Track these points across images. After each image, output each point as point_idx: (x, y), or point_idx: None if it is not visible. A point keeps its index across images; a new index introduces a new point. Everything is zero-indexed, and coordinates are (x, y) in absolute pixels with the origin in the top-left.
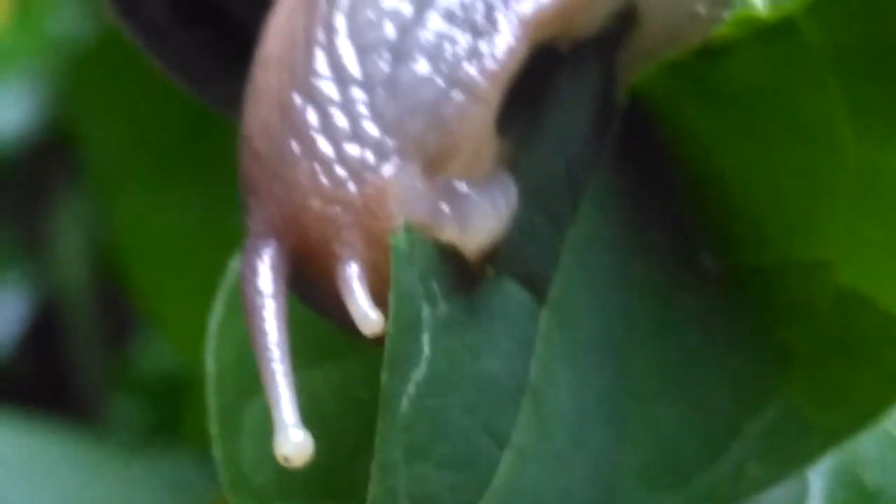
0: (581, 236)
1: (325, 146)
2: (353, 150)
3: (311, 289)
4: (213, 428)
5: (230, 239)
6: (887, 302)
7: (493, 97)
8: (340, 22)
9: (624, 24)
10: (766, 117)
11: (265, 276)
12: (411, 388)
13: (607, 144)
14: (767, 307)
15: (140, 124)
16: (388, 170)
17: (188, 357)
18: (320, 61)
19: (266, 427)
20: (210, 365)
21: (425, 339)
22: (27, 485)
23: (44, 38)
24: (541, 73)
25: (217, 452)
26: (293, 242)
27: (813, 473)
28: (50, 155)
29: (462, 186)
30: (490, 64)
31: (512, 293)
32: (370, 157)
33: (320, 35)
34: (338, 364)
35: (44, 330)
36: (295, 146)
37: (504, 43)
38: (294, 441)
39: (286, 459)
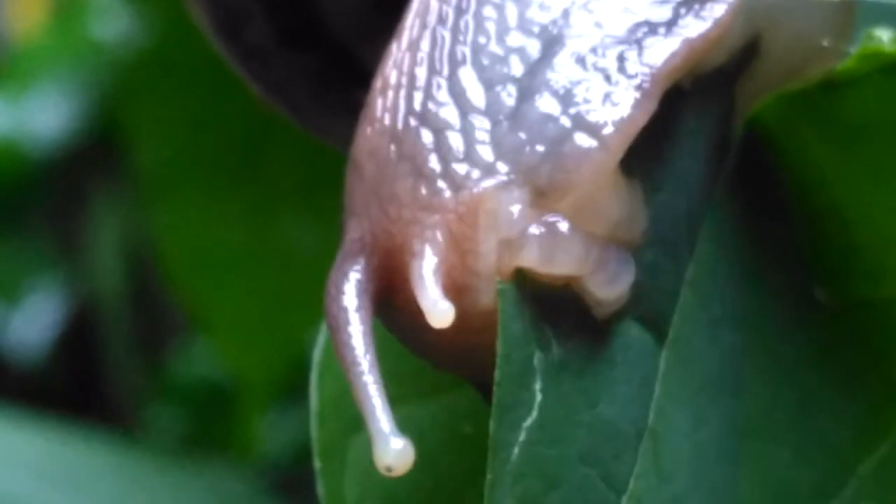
0: (699, 273)
1: (434, 163)
2: (460, 168)
3: (392, 309)
4: (317, 463)
5: (275, 249)
6: None
7: (617, 146)
8: (464, 53)
9: (747, 57)
10: (887, 150)
11: (350, 293)
12: (522, 436)
13: (723, 178)
14: (883, 341)
15: (187, 132)
16: (488, 183)
17: (230, 365)
18: (441, 90)
19: (370, 461)
20: (313, 400)
21: (537, 386)
22: (65, 492)
23: (83, 42)
24: (664, 108)
25: (320, 488)
26: (380, 257)
27: None
28: (87, 160)
29: (562, 225)
30: (620, 114)
31: (634, 336)
32: (475, 174)
33: (443, 66)
34: (443, 399)
35: (79, 336)
36: (402, 166)
37: (636, 95)
38: (395, 449)
39: (388, 469)
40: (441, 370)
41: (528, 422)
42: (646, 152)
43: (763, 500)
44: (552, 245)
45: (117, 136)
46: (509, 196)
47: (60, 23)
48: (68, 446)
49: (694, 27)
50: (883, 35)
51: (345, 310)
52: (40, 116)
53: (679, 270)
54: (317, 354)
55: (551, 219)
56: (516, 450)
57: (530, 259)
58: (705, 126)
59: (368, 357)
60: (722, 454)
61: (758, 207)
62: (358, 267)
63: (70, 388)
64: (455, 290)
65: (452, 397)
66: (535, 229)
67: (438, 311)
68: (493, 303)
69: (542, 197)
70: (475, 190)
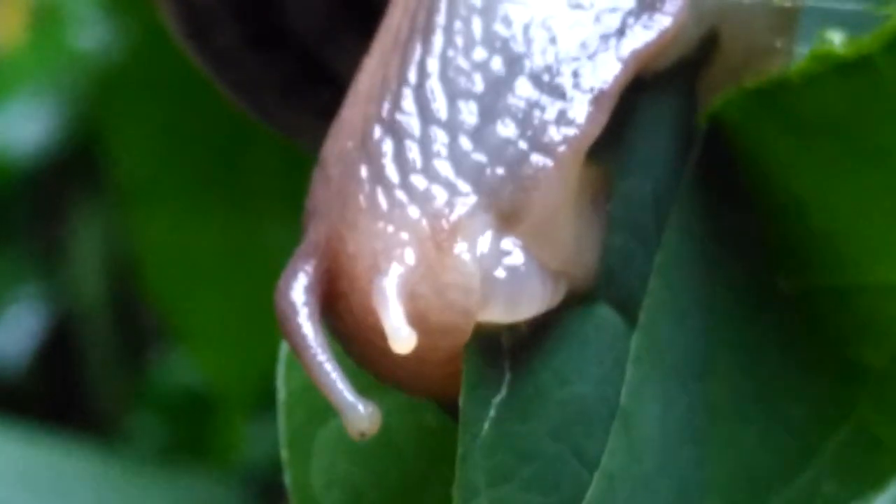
0: (665, 260)
1: (391, 173)
2: (418, 181)
3: (335, 315)
4: (284, 453)
5: (253, 258)
6: None
7: (570, 162)
8: (433, 65)
9: (706, 50)
10: (844, 146)
11: (298, 289)
12: (492, 412)
13: (688, 169)
14: (843, 328)
15: (167, 142)
16: (462, 210)
17: (210, 373)
18: (408, 99)
19: (335, 452)
20: (280, 391)
21: (506, 364)
22: (46, 500)
23: (63, 53)
24: (626, 99)
25: (287, 478)
26: (331, 260)
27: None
28: (67, 170)
29: (520, 258)
30: (574, 130)
31: (605, 318)
32: (438, 192)
33: (412, 76)
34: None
35: (60, 346)
36: (364, 171)
37: (590, 109)
38: (364, 413)
39: (362, 434)
40: (382, 383)
41: (498, 398)
42: (612, 140)
43: (729, 480)
44: (517, 293)
45: (97, 146)
46: (480, 223)
47: (39, 34)
48: (49, 455)
49: (641, 37)
50: (834, 37)
51: (293, 304)
52: (21, 127)
53: (648, 254)
54: (284, 348)
55: (513, 260)
56: (486, 425)
57: (494, 314)
58: (667, 116)
59: (318, 339)
60: (690, 435)
61: (722, 198)
62: (308, 267)
63: (51, 397)
64: (419, 319)
65: None
66: (500, 273)
67: (401, 337)
68: (460, 341)
69: (506, 221)
70: (452, 219)
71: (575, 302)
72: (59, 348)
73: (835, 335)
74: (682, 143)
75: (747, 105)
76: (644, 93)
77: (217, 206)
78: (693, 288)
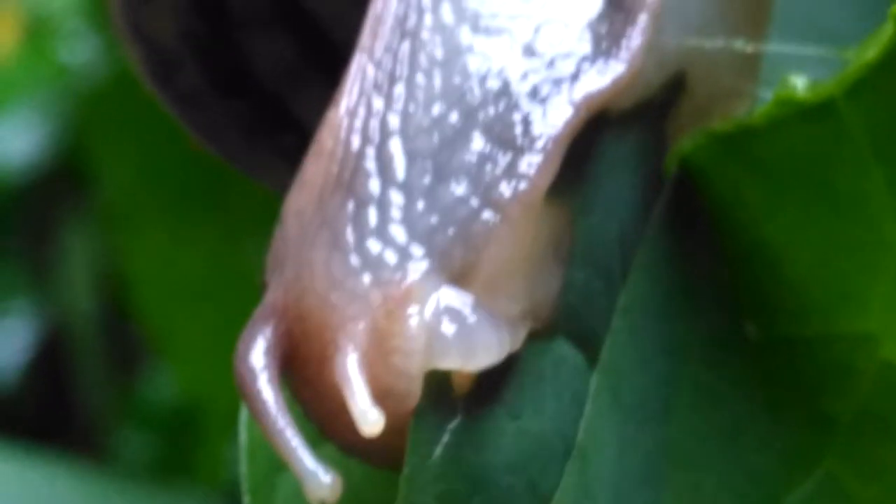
0: (630, 302)
1: (349, 236)
2: (373, 246)
3: (296, 377)
4: (246, 500)
5: (238, 276)
6: None
7: (519, 216)
8: (394, 122)
9: (673, 93)
10: (809, 192)
11: (257, 352)
12: (446, 437)
13: (656, 212)
14: (810, 377)
15: (152, 159)
16: (414, 276)
17: (193, 390)
18: (369, 160)
19: (298, 498)
20: (242, 438)
21: (459, 402)
22: None
23: (53, 68)
24: (592, 136)
25: None
26: (289, 324)
27: None
28: (57, 184)
29: (472, 315)
30: (522, 185)
31: (565, 354)
32: (391, 257)
33: (374, 133)
34: None
35: (49, 359)
36: (321, 233)
37: (539, 159)
38: (325, 482)
39: (322, 502)
40: (345, 453)
41: (453, 424)
42: (575, 178)
43: None
44: (470, 345)
45: (85, 162)
46: (433, 285)
47: (30, 49)
48: (36, 472)
49: (595, 82)
50: (797, 81)
51: (251, 369)
52: (10, 140)
53: (611, 293)
54: None
55: (463, 315)
56: (439, 449)
57: (451, 363)
58: (634, 157)
59: (278, 404)
60: (648, 479)
61: (690, 241)
62: (268, 330)
63: (40, 412)
64: (378, 390)
65: None
66: (447, 329)
67: (369, 419)
68: (409, 404)
69: (458, 280)
70: (403, 285)
71: (534, 337)
72: (48, 363)
73: (803, 385)
74: (648, 183)
75: (714, 150)
76: (609, 132)
77: (202, 224)
78: (656, 330)
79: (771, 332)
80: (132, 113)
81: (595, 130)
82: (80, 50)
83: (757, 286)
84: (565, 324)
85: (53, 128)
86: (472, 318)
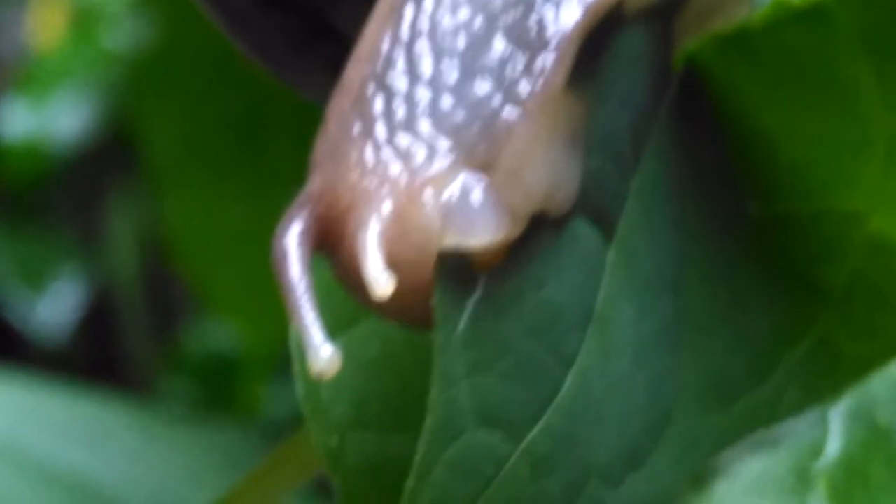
0: (643, 185)
1: (380, 130)
2: (403, 139)
3: (334, 258)
4: (296, 366)
5: (275, 226)
6: None
7: (537, 111)
8: (424, 24)
9: None
10: (805, 87)
11: (293, 234)
12: (469, 310)
13: (665, 103)
14: (806, 250)
15: (194, 128)
16: (439, 166)
17: (235, 338)
18: (399, 57)
19: (343, 366)
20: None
21: (481, 277)
22: (82, 448)
23: (99, 51)
24: (606, 35)
25: (299, 389)
26: (324, 209)
27: (833, 413)
28: (104, 158)
29: (480, 196)
30: (539, 82)
31: (582, 231)
32: (420, 150)
33: (405, 34)
34: None
35: (98, 319)
36: (357, 127)
37: (553, 57)
38: (323, 357)
39: (320, 375)
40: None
41: (474, 297)
42: (591, 72)
43: (700, 383)
44: (471, 223)
45: (131, 135)
46: (454, 174)
47: (77, 32)
48: (87, 407)
49: None
50: None
51: (285, 248)
52: (61, 118)
53: (624, 177)
54: None
55: (473, 196)
56: (463, 322)
57: (451, 240)
58: (645, 53)
59: (303, 283)
60: (663, 344)
61: (697, 132)
62: (304, 214)
63: (90, 365)
64: (395, 262)
65: None
66: (458, 207)
67: (380, 284)
68: (432, 277)
69: (479, 171)
70: (428, 173)
71: (553, 219)
72: (97, 320)
73: (799, 256)
74: (657, 79)
75: (717, 48)
76: (622, 30)
77: (241, 185)
78: (668, 210)
79: (771, 209)
80: (172, 87)
81: (609, 30)
82: (122, 31)
83: (759, 169)
84: (582, 205)
85: (99, 106)
86: (478, 200)
